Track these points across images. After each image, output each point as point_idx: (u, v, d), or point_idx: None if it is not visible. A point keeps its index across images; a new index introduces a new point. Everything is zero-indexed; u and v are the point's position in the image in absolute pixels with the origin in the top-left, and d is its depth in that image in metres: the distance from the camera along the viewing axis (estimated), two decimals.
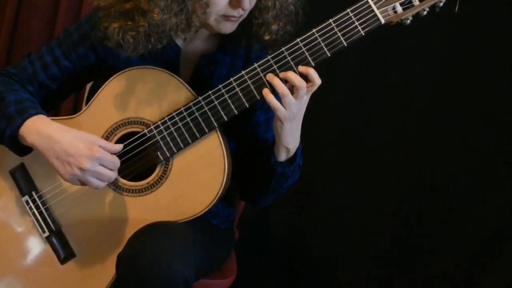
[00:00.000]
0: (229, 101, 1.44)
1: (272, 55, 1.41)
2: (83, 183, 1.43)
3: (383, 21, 1.39)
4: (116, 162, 1.43)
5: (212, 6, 1.40)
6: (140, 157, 1.49)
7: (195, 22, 1.42)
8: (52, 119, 1.53)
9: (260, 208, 1.72)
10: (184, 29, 1.43)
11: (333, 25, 1.39)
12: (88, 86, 1.72)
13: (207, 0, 1.38)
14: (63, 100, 1.72)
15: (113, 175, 1.43)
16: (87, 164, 1.39)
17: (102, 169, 1.41)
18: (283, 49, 1.41)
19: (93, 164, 1.39)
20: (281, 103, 1.40)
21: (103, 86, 1.50)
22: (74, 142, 1.40)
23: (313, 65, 1.40)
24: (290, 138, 1.46)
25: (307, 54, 1.40)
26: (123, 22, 1.41)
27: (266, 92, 1.41)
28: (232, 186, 1.58)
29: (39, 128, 1.43)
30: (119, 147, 1.45)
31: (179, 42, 1.54)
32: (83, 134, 1.43)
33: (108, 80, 1.49)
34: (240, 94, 1.43)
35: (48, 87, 1.57)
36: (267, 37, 1.49)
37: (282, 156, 1.49)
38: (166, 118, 1.46)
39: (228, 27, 1.45)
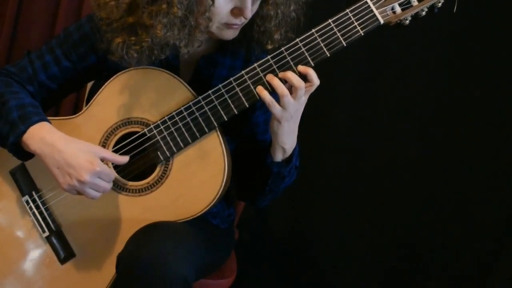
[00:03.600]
0: (229, 101, 1.44)
1: (272, 55, 1.41)
2: (79, 192, 1.44)
3: (382, 21, 1.40)
4: (113, 175, 1.45)
5: (214, 16, 1.40)
6: (140, 157, 1.49)
7: (198, 37, 1.42)
8: (52, 119, 1.53)
9: (258, 208, 1.71)
10: (187, 44, 1.42)
11: (333, 25, 1.40)
12: (89, 86, 1.72)
13: (209, 15, 1.38)
14: (63, 99, 1.72)
15: (109, 186, 1.45)
16: (87, 177, 1.40)
17: (99, 181, 1.42)
18: (282, 49, 1.41)
19: (92, 177, 1.40)
20: (279, 103, 1.40)
21: (103, 86, 1.50)
22: (77, 153, 1.41)
23: (313, 65, 1.41)
24: (287, 139, 1.46)
25: (306, 54, 1.40)
26: (126, 37, 1.40)
27: (260, 89, 1.41)
28: (232, 186, 1.58)
29: (42, 136, 1.43)
30: (126, 159, 1.47)
31: (182, 50, 1.54)
32: (86, 145, 1.44)
33: (109, 80, 1.50)
34: (240, 94, 1.44)
35: (48, 87, 1.57)
36: (269, 46, 1.49)
37: (278, 156, 1.50)
38: (166, 118, 1.46)
39: (230, 34, 1.45)
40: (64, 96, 1.67)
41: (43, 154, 1.42)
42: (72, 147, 1.42)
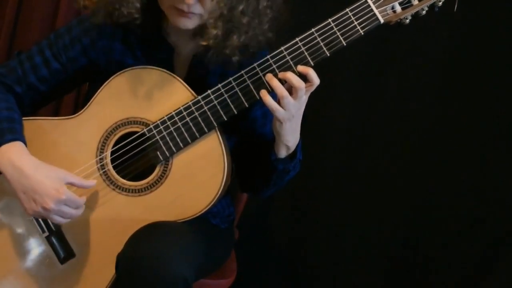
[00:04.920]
0: (229, 100, 1.44)
1: (271, 54, 1.41)
2: (45, 218, 1.45)
3: (382, 20, 1.40)
4: (80, 202, 1.44)
5: None
6: (140, 157, 1.49)
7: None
8: (52, 119, 1.53)
9: (261, 198, 1.70)
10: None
11: (332, 24, 1.39)
12: (87, 87, 1.72)
13: None
14: (56, 100, 1.71)
15: (76, 213, 1.44)
16: (51, 205, 1.40)
17: (66, 209, 1.42)
18: (282, 48, 1.41)
19: (57, 205, 1.41)
20: (279, 103, 1.40)
21: (102, 86, 1.50)
22: (44, 180, 1.41)
23: (312, 64, 1.41)
24: (290, 137, 1.46)
25: (306, 53, 1.40)
26: None
27: (264, 94, 1.41)
28: (232, 186, 1.58)
29: (11, 158, 1.42)
30: (93, 183, 1.46)
31: (172, 42, 1.54)
32: (54, 171, 1.43)
33: (108, 80, 1.49)
34: (240, 94, 1.43)
35: (37, 88, 1.56)
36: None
37: (282, 153, 1.49)
38: (166, 118, 1.46)
39: (182, 22, 1.42)
40: (56, 98, 1.67)
41: (10, 177, 1.42)
42: (39, 174, 1.41)
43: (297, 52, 1.40)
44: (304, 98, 1.41)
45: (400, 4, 1.39)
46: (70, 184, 1.44)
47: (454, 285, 2.25)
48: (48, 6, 2.29)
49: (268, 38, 1.45)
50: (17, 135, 1.46)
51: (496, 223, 2.18)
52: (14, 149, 1.44)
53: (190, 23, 1.42)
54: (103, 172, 1.50)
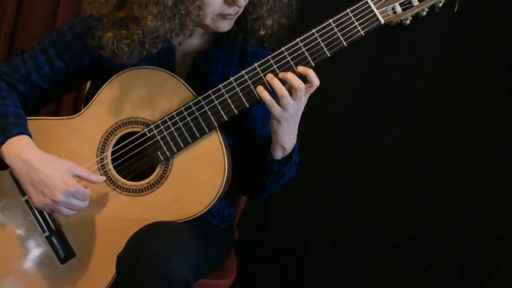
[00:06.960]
0: (229, 101, 1.44)
1: (272, 54, 1.41)
2: (53, 211, 1.45)
3: (382, 21, 1.40)
4: (87, 194, 1.45)
5: (207, 7, 1.39)
6: (140, 157, 1.49)
7: (189, 26, 1.41)
8: (52, 119, 1.53)
9: (258, 201, 1.71)
10: (178, 33, 1.43)
11: (333, 25, 1.39)
12: (88, 86, 1.72)
13: (200, 2, 1.38)
14: (58, 99, 1.71)
15: (83, 205, 1.45)
16: (61, 197, 1.40)
17: (74, 201, 1.43)
18: (283, 49, 1.41)
19: (66, 197, 1.41)
20: (279, 103, 1.40)
21: (103, 86, 1.50)
22: (52, 173, 1.41)
23: (313, 65, 1.41)
24: (287, 138, 1.46)
25: (307, 54, 1.40)
26: (116, 32, 1.40)
27: (261, 89, 1.41)
28: (232, 186, 1.58)
29: (19, 151, 1.42)
30: (101, 179, 1.47)
31: (173, 41, 1.54)
32: (61, 164, 1.43)
33: (109, 80, 1.49)
34: (240, 94, 1.43)
35: (41, 87, 1.56)
36: (262, 32, 1.49)
37: (278, 155, 1.50)
38: (166, 118, 1.46)
39: (226, 25, 1.45)
40: (58, 97, 1.68)
41: (18, 169, 1.42)
42: (47, 166, 1.41)
43: (298, 53, 1.40)
44: (303, 99, 1.41)
45: (400, 4, 1.39)
46: (77, 177, 1.44)
47: (454, 285, 2.25)
48: (48, 7, 2.30)
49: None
50: (24, 129, 1.46)
51: (496, 224, 2.18)
52: (22, 142, 1.44)
53: (232, 23, 1.45)
54: (104, 172, 1.50)
